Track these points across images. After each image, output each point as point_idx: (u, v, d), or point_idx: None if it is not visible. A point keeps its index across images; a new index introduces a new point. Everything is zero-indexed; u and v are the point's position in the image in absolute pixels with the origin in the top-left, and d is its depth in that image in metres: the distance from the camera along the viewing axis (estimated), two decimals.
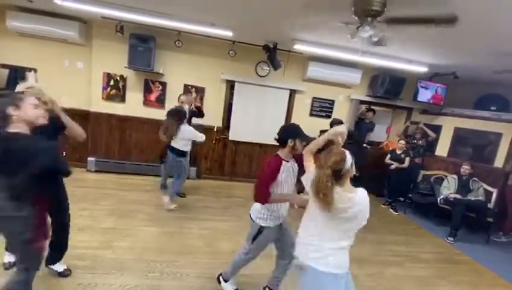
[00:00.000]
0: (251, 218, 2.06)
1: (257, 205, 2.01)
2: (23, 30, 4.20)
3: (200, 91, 4.93)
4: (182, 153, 3.62)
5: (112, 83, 4.66)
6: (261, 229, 1.99)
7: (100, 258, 2.53)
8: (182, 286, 2.35)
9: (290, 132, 1.93)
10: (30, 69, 4.45)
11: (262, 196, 1.87)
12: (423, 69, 4.41)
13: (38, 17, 4.14)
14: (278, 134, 1.95)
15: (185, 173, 3.83)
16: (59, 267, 2.24)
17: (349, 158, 1.46)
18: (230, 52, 4.64)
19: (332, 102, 5.43)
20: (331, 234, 1.51)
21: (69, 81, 4.62)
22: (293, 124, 2.01)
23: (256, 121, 5.21)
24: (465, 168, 4.41)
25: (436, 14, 2.07)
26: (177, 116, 3.50)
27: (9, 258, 2.20)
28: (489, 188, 4.41)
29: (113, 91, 4.67)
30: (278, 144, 1.97)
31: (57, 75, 4.56)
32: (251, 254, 2.13)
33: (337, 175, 1.43)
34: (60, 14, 4.19)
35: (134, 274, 2.40)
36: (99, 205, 3.56)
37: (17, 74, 4.40)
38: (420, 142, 5.12)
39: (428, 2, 2.17)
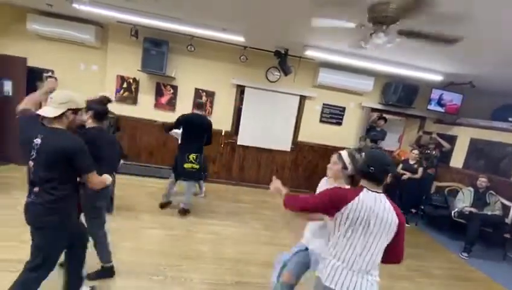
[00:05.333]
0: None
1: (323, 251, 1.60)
2: (43, 33, 4.36)
3: (210, 95, 4.97)
4: None
5: (124, 85, 4.75)
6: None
7: None
8: None
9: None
10: (47, 70, 4.59)
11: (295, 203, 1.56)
12: (438, 78, 4.30)
13: (57, 20, 4.30)
14: (369, 166, 1.44)
15: None
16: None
17: None
18: (242, 57, 4.66)
19: (343, 109, 5.36)
20: None
21: (83, 82, 4.72)
22: (383, 155, 1.51)
23: (265, 126, 5.19)
24: (482, 181, 4.23)
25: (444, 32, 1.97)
26: None
27: None
28: (507, 203, 4.21)
29: (126, 93, 4.76)
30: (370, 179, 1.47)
31: (71, 77, 4.67)
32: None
33: None
34: (78, 18, 4.32)
35: (137, 277, 2.39)
36: None
37: (35, 74, 4.55)
38: (434, 152, 4.96)
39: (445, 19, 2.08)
